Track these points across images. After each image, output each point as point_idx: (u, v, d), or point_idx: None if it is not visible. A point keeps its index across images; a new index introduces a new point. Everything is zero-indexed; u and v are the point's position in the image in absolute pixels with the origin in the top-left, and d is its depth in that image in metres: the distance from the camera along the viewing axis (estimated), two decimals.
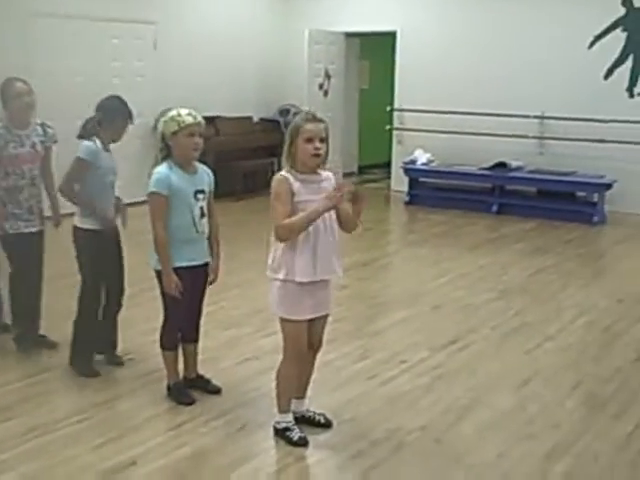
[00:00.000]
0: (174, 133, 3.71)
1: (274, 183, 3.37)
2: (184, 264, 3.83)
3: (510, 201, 9.41)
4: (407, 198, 10.05)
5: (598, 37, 9.14)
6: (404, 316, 5.48)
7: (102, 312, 4.44)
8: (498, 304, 5.78)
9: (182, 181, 3.77)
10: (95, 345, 4.42)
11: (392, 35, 10.76)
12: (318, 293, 3.45)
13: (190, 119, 3.74)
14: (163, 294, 3.90)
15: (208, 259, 3.97)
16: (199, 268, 3.93)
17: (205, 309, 4.17)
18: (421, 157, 10.10)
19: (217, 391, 4.11)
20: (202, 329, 4.17)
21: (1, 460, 3.37)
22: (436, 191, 10.01)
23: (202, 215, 3.86)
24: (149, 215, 3.78)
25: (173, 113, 3.76)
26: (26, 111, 4.45)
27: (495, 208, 9.32)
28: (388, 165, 11.47)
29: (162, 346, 4.03)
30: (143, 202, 4.02)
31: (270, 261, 3.45)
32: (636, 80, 9.13)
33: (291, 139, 3.33)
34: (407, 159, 10.23)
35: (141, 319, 4.99)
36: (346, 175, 12.21)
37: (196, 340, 4.13)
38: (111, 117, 4.27)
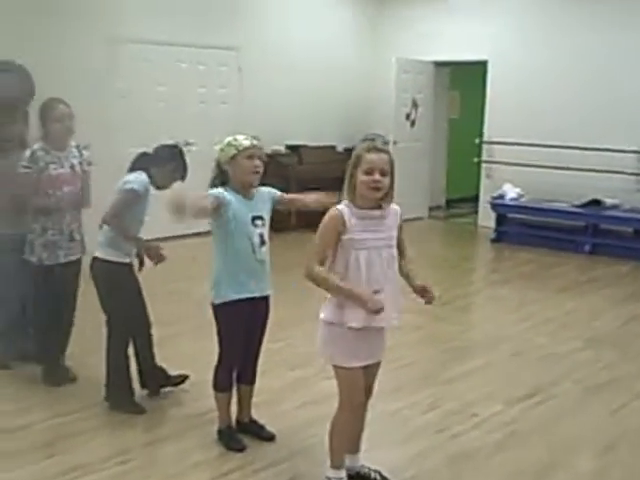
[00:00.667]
0: (232, 157, 3.56)
1: (326, 217, 3.14)
2: (243, 296, 3.63)
3: (604, 241, 8.87)
4: (494, 235, 9.65)
5: None
6: (480, 363, 5.13)
7: (136, 346, 4.32)
8: (583, 355, 5.35)
9: (241, 206, 3.59)
10: (129, 380, 4.27)
11: (483, 64, 10.43)
12: (373, 339, 3.21)
13: (248, 142, 3.58)
14: (219, 331, 3.71)
15: (269, 292, 3.76)
16: (258, 301, 3.72)
17: (270, 345, 3.98)
18: (510, 192, 9.69)
19: (271, 438, 3.88)
20: (264, 368, 3.99)
21: None
22: (525, 228, 9.56)
23: (262, 243, 3.66)
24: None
25: (229, 139, 3.61)
26: (66, 135, 4.40)
27: (587, 248, 8.81)
28: (477, 199, 11.09)
29: (215, 387, 3.84)
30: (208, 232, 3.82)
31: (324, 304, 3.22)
32: None
33: (351, 170, 3.10)
34: (495, 194, 9.84)
35: (202, 354, 4.82)
36: (432, 208, 11.91)
37: (252, 382, 3.91)
38: (162, 164, 4.17)
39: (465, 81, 12.18)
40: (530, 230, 9.45)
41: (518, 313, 6.41)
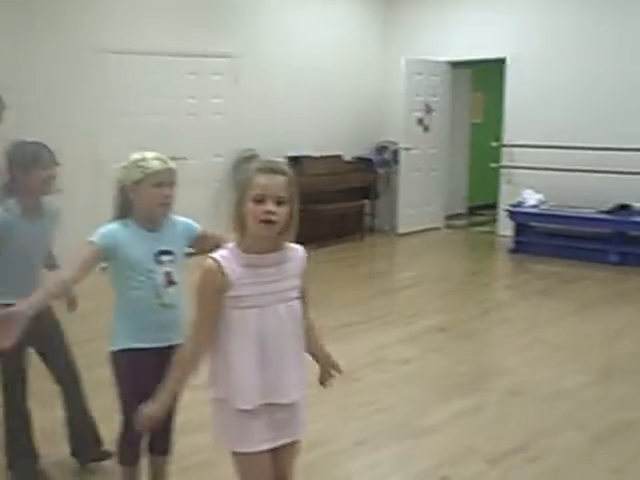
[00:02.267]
0: (137, 182, 2.84)
1: (201, 271, 2.37)
2: (144, 345, 2.93)
3: (633, 250, 7.98)
4: (512, 245, 8.81)
5: None
6: (468, 406, 4.34)
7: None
8: (594, 391, 4.53)
9: (140, 241, 2.89)
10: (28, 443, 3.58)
11: (502, 62, 9.62)
12: (277, 415, 2.43)
13: (157, 164, 2.87)
14: (118, 388, 3.01)
15: (179, 341, 3.03)
16: (166, 352, 2.98)
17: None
18: (531, 198, 8.85)
19: None
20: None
21: None
22: (546, 237, 8.70)
23: (169, 283, 2.95)
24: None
25: (136, 157, 2.88)
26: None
27: (615, 258, 7.93)
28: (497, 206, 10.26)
29: (119, 460, 3.14)
30: None
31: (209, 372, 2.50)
32: None
33: (239, 197, 2.33)
34: (515, 201, 9.01)
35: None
36: (452, 217, 11.11)
37: (166, 451, 3.20)
38: (23, 168, 3.32)
39: (488, 82, 11.37)
40: (552, 240, 8.59)
41: (526, 339, 5.60)
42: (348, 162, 10.09)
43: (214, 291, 2.31)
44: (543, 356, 5.20)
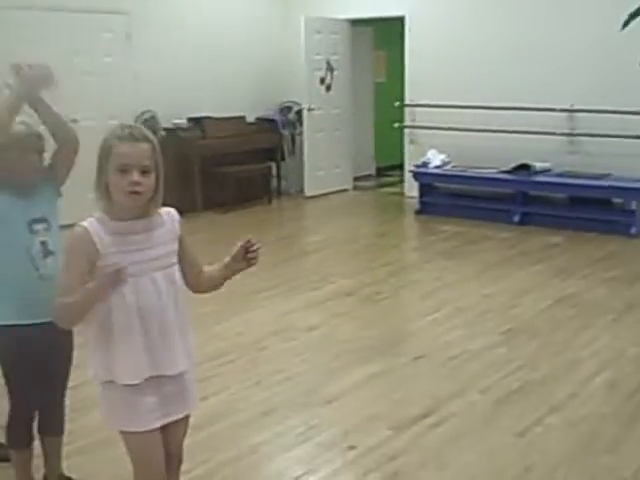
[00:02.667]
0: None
1: (68, 239, 2.24)
2: (24, 322, 2.72)
3: (535, 210, 8.12)
4: (418, 206, 8.84)
5: (633, 15, 7.74)
6: (373, 372, 4.30)
7: None
8: (497, 353, 4.56)
9: (9, 209, 2.69)
10: None
11: (402, 21, 9.55)
12: (166, 388, 2.31)
13: (22, 129, 2.69)
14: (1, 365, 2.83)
15: None
16: (46, 329, 2.71)
17: None
18: (435, 159, 8.87)
19: None
20: None
21: None
22: (451, 198, 8.76)
23: (46, 254, 2.76)
24: None
25: None
26: None
27: (517, 218, 8.05)
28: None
29: (10, 444, 2.95)
30: None
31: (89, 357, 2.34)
32: None
33: (100, 164, 2.20)
34: (419, 161, 9.02)
35: None
36: (361, 178, 11.07)
37: (59, 431, 3.03)
38: None
39: (390, 41, 11.25)
40: (456, 200, 8.66)
41: (431, 301, 5.61)
42: (252, 123, 9.87)
43: (80, 254, 2.18)
44: (446, 319, 5.21)
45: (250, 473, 3.29)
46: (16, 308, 2.73)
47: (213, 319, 5.22)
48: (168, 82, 8.93)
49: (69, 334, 2.78)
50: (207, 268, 2.46)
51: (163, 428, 2.33)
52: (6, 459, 3.10)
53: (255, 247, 2.37)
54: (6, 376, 2.82)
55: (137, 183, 2.15)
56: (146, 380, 2.24)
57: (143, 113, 8.65)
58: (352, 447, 3.44)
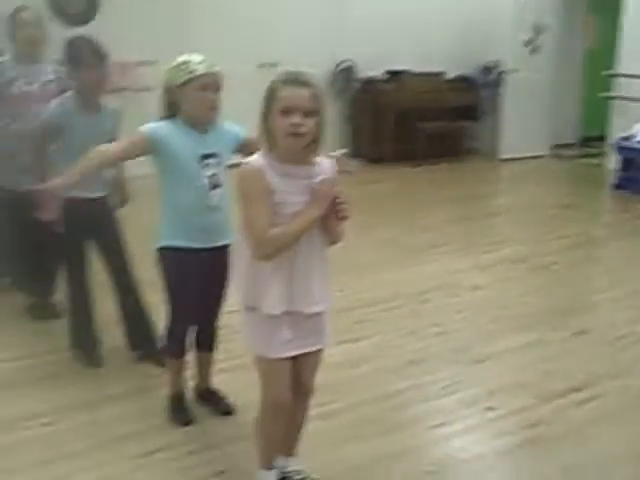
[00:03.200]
0: (182, 85, 2.82)
1: (239, 178, 2.33)
2: (190, 245, 2.96)
3: None
4: (616, 180, 8.37)
5: None
6: (528, 341, 4.20)
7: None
8: None
9: (186, 141, 2.88)
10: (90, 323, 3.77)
11: None
12: (302, 324, 2.44)
13: (202, 68, 2.84)
14: (166, 284, 3.07)
15: (226, 241, 3.00)
16: (212, 253, 3.00)
17: None
18: None
19: (227, 412, 3.25)
20: None
21: None
22: None
23: (214, 185, 2.94)
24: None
25: (182, 59, 2.86)
26: (32, 44, 3.89)
27: None
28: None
29: (164, 351, 3.25)
30: None
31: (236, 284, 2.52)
32: None
33: (265, 108, 2.28)
34: (625, 134, 8.51)
35: None
36: (561, 146, 10.62)
37: (211, 348, 3.29)
38: (72, 66, 3.47)
39: (606, 6, 10.57)
40: None
41: (606, 279, 5.37)
42: (450, 80, 9.74)
43: (262, 190, 2.27)
44: (622, 299, 4.95)
45: (387, 415, 3.36)
46: (184, 232, 2.96)
47: (382, 267, 5.36)
48: (368, 34, 9.01)
49: (228, 260, 2.97)
50: None
51: (295, 357, 2.47)
52: (162, 364, 3.40)
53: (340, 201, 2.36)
54: (170, 292, 3.07)
55: (298, 125, 2.22)
56: (285, 314, 2.38)
57: (341, 62, 8.83)
58: (492, 408, 3.42)
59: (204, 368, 3.31)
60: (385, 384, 3.63)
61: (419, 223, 6.69)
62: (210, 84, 2.86)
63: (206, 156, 2.91)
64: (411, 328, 4.33)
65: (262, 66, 7.76)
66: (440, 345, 4.12)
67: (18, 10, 4.00)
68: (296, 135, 2.24)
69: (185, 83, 2.82)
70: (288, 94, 2.23)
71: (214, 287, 3.12)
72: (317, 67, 8.51)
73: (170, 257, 2.99)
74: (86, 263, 3.67)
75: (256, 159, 2.32)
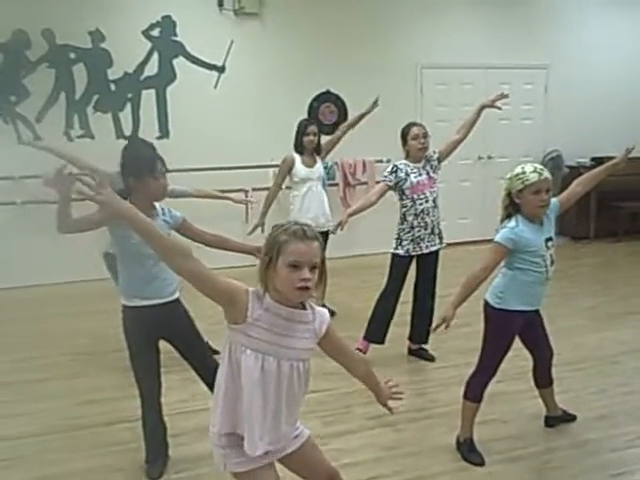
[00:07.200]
0: (520, 191, 3.46)
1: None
2: (524, 308, 3.60)
3: None
4: None
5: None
6: None
7: None
8: None
9: (534, 234, 3.51)
10: None
11: None
12: (274, 450, 2.48)
13: (535, 177, 3.42)
14: (487, 336, 3.65)
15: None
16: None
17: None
18: None
19: None
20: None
21: None
22: None
23: (552, 262, 3.59)
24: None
25: (517, 171, 3.49)
26: (421, 150, 4.96)
27: None
28: None
29: (465, 394, 3.75)
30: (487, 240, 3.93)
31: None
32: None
33: (269, 257, 2.25)
34: None
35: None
36: None
37: (548, 384, 4.00)
38: (137, 173, 3.29)
39: None
40: None
41: None
42: None
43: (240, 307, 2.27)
44: None
45: (570, 460, 3.68)
46: (525, 297, 3.58)
47: (577, 332, 5.76)
48: (574, 127, 9.68)
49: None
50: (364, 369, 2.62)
51: (285, 459, 2.55)
52: None
53: (395, 389, 2.65)
54: (487, 340, 3.67)
55: (307, 279, 2.20)
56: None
57: (550, 152, 9.44)
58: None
59: (548, 401, 4.07)
60: (574, 435, 3.94)
61: (619, 292, 6.98)
62: (542, 188, 3.43)
63: (547, 240, 3.55)
64: (600, 387, 4.61)
65: (480, 159, 8.72)
66: (628, 403, 4.35)
67: (409, 125, 5.07)
68: (304, 289, 2.22)
69: (522, 190, 3.44)
70: (301, 249, 2.21)
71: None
72: (530, 157, 9.29)
73: (502, 317, 3.61)
74: (158, 372, 3.52)
75: (253, 289, 2.34)
